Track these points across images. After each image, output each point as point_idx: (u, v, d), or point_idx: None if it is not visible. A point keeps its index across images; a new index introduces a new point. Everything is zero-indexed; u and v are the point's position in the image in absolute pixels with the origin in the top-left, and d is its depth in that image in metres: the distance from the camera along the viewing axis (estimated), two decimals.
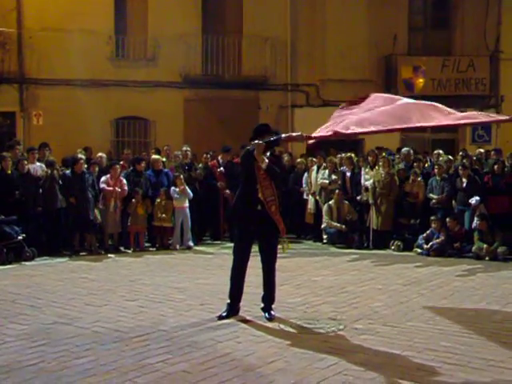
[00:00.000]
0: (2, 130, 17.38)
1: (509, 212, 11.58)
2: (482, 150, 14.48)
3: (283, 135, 7.03)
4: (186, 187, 12.43)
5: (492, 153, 13.83)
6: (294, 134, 7.37)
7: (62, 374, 4.96)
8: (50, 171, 11.68)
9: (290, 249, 7.24)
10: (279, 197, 6.98)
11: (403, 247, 12.03)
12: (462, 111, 7.43)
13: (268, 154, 6.83)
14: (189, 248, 12.34)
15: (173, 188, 12.43)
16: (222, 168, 13.38)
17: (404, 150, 13.90)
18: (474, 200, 11.62)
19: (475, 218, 11.48)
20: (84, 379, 4.85)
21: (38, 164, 12.05)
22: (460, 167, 12.18)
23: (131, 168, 12.82)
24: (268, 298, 6.85)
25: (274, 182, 6.85)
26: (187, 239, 12.46)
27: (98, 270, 10.09)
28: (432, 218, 11.74)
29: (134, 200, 12.15)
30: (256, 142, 6.67)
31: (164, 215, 12.38)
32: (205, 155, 13.82)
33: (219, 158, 13.78)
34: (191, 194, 12.48)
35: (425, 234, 11.69)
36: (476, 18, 18.64)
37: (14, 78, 17.15)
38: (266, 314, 6.74)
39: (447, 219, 11.64)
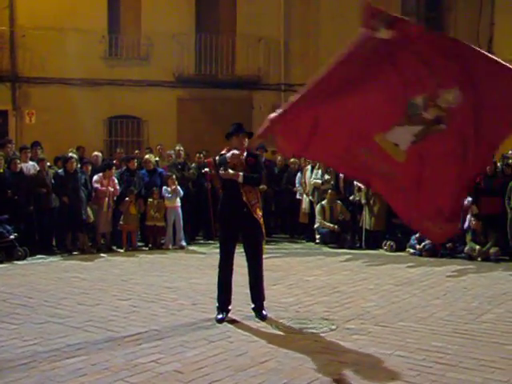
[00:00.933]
0: None
1: (500, 213, 11.61)
2: None
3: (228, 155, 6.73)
4: (178, 187, 12.42)
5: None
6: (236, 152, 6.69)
7: (54, 374, 4.95)
8: (39, 168, 11.70)
9: (265, 252, 7.19)
10: (269, 197, 6.93)
11: (396, 247, 12.07)
12: None
13: (245, 154, 6.79)
14: (181, 248, 12.33)
15: (164, 187, 12.42)
16: (206, 169, 12.86)
17: None
18: (465, 200, 11.64)
19: (469, 218, 11.51)
20: (76, 379, 4.84)
21: (30, 163, 12.01)
22: None
23: (125, 167, 12.80)
24: (258, 298, 6.85)
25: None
26: (180, 239, 12.45)
27: (90, 269, 10.07)
28: None
29: (127, 199, 12.13)
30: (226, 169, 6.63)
31: (157, 214, 12.37)
32: (198, 155, 13.80)
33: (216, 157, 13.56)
34: (182, 192, 12.46)
35: (417, 235, 11.71)
36: (469, 18, 18.67)
37: (7, 77, 17.12)
38: (259, 314, 6.75)
39: None
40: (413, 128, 4.35)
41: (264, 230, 6.83)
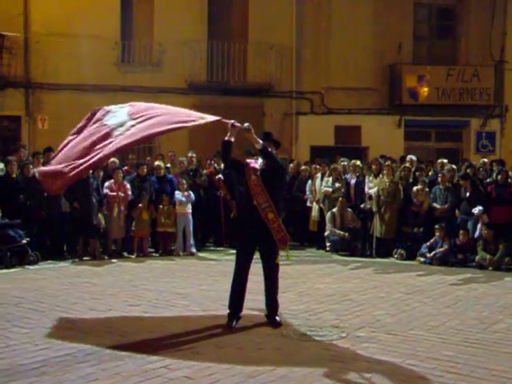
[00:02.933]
0: (8, 134, 17.46)
1: None
2: (485, 160, 14.48)
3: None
4: (190, 192, 12.47)
5: (493, 164, 13.82)
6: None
7: (65, 378, 4.97)
8: None
9: (290, 259, 7.14)
10: (275, 198, 6.73)
11: (406, 256, 12.03)
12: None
13: (259, 162, 6.79)
14: (191, 254, 12.35)
15: (177, 192, 12.45)
16: (220, 175, 12.99)
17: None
18: (476, 210, 11.61)
19: (480, 227, 11.47)
20: (87, 383, 4.86)
21: None
22: (460, 178, 12.21)
23: (135, 173, 12.85)
24: (272, 305, 6.85)
25: (272, 173, 6.72)
26: (190, 245, 12.46)
27: (101, 274, 10.11)
28: (436, 226, 11.72)
29: (140, 205, 12.17)
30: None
31: (167, 220, 12.40)
32: (208, 161, 13.77)
33: (215, 164, 13.42)
34: (193, 197, 12.50)
35: (428, 243, 11.69)
36: (481, 27, 18.67)
37: (20, 83, 17.23)
38: (272, 320, 6.74)
39: (460, 231, 11.59)
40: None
41: (279, 236, 6.69)
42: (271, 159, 6.65)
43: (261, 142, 6.58)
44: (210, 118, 6.96)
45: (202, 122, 6.90)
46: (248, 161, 6.89)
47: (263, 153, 6.60)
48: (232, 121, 6.76)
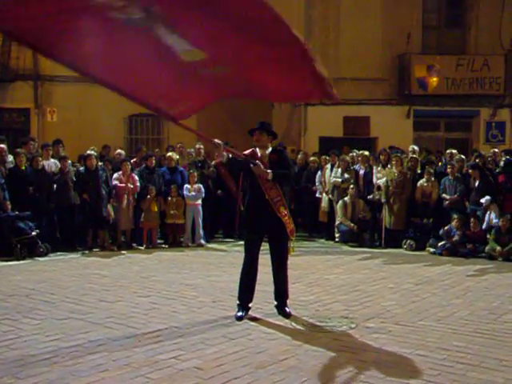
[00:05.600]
0: (17, 126, 17.52)
1: None
2: (496, 150, 14.41)
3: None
4: (201, 186, 12.48)
5: (502, 154, 13.74)
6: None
7: (75, 369, 5.00)
8: (61, 165, 11.83)
9: (293, 252, 7.07)
10: (286, 194, 6.76)
11: (415, 246, 12.00)
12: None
13: (269, 150, 6.77)
14: (200, 245, 12.37)
15: (186, 186, 12.45)
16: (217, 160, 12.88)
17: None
18: (484, 200, 11.56)
19: (488, 219, 11.42)
20: (97, 374, 4.89)
21: (52, 160, 12.14)
22: (469, 167, 12.15)
23: (144, 165, 12.87)
24: (282, 296, 6.85)
25: (283, 183, 6.78)
26: (199, 237, 12.49)
27: (110, 266, 10.15)
28: (454, 215, 11.60)
29: (148, 196, 12.19)
30: (257, 163, 6.50)
31: (176, 212, 12.42)
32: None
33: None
34: (203, 193, 12.51)
35: (443, 230, 11.57)
36: (491, 16, 18.50)
37: (29, 75, 17.29)
38: (281, 311, 6.75)
39: (471, 219, 11.52)
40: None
41: (290, 228, 6.71)
42: (282, 179, 6.69)
43: (270, 173, 6.51)
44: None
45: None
46: (255, 151, 6.81)
47: (274, 179, 6.55)
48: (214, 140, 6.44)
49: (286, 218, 6.69)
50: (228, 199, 13.23)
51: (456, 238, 11.35)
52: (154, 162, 12.81)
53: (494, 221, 11.35)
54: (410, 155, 13.24)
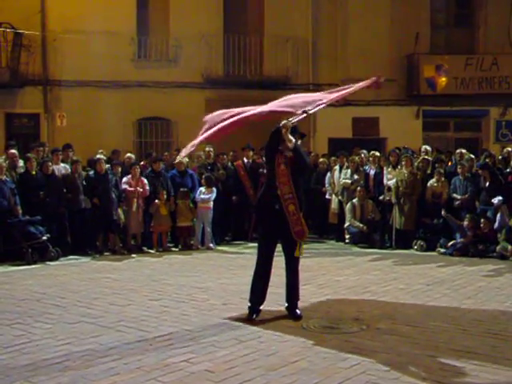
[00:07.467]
0: (27, 131, 17.61)
1: None
2: (510, 149, 14.30)
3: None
4: (214, 189, 12.51)
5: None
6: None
7: (87, 373, 5.01)
8: (71, 169, 11.89)
9: (298, 253, 6.98)
10: (298, 192, 6.66)
11: (426, 247, 11.96)
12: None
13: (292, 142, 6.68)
14: (209, 249, 12.37)
15: (201, 189, 12.46)
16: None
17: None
18: (496, 200, 11.50)
19: (500, 217, 11.35)
20: (108, 378, 4.90)
21: (62, 165, 12.18)
22: (479, 167, 12.09)
23: (149, 168, 12.90)
24: (293, 297, 6.84)
25: (298, 169, 6.68)
26: (208, 240, 12.48)
27: (121, 269, 10.17)
28: (467, 215, 11.55)
29: (156, 201, 12.21)
30: (285, 121, 6.59)
31: (186, 215, 12.43)
32: (221, 156, 13.80)
33: (244, 158, 13.83)
34: (215, 193, 12.53)
35: (458, 223, 11.53)
36: (499, 15, 18.45)
37: (39, 80, 17.37)
38: (292, 313, 6.74)
39: (482, 220, 11.47)
40: None
41: (297, 229, 6.63)
42: (300, 158, 6.65)
43: (293, 139, 6.53)
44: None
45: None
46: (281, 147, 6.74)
47: (295, 152, 6.55)
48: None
49: (295, 217, 6.63)
50: (239, 203, 13.29)
51: (468, 237, 11.29)
52: (161, 165, 12.84)
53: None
54: (422, 156, 13.20)
